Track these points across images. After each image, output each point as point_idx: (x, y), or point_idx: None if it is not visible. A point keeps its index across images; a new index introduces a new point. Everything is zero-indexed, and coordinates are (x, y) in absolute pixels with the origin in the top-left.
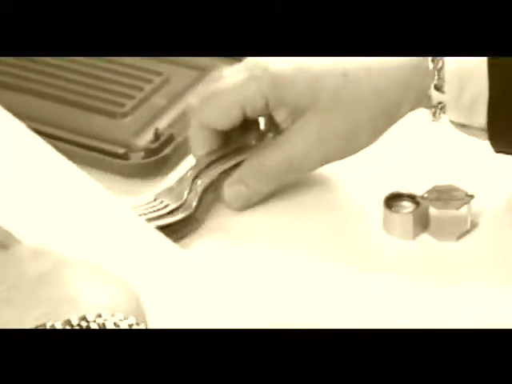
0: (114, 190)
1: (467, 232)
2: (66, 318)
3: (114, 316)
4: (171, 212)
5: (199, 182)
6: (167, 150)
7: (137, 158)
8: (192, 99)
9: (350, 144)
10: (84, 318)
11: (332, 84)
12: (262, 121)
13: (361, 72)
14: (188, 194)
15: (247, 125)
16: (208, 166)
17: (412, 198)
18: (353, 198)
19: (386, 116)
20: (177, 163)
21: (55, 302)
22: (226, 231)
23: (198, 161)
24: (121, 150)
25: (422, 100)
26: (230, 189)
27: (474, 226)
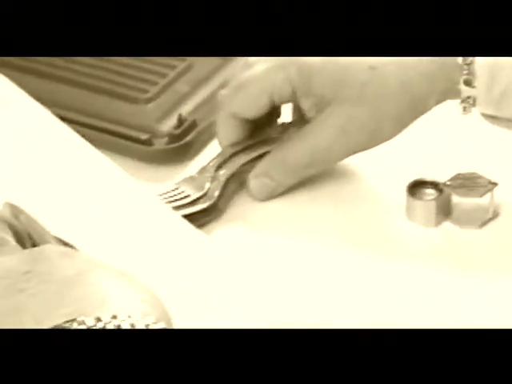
0: (136, 176)
1: (490, 219)
2: (97, 315)
3: (145, 319)
4: (193, 202)
5: (222, 172)
6: (190, 136)
7: (160, 143)
8: (222, 90)
9: (373, 137)
10: (115, 317)
11: (359, 77)
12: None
13: (389, 66)
14: (210, 183)
15: (272, 117)
16: (232, 156)
17: (435, 185)
18: (376, 186)
19: (411, 110)
20: (200, 149)
21: (86, 301)
22: (246, 220)
23: (222, 150)
24: (144, 136)
25: (448, 94)
26: (255, 181)
27: (496, 213)
